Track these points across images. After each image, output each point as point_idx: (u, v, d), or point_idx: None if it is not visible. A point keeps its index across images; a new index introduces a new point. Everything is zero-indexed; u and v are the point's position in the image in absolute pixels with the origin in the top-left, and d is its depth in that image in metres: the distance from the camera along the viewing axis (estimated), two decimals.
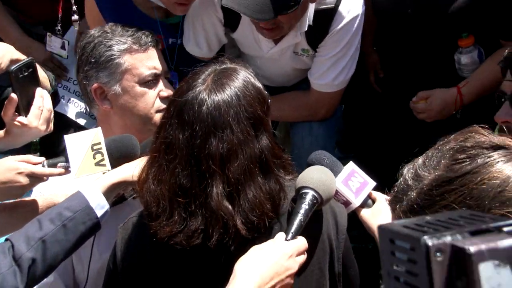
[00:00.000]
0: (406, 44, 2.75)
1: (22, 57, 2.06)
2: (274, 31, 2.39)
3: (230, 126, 1.49)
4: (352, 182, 1.84)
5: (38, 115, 1.98)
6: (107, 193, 1.75)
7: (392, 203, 1.21)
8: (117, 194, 1.85)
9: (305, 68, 2.70)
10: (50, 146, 2.86)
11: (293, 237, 1.51)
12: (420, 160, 1.18)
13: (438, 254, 0.72)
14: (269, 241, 1.50)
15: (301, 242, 1.51)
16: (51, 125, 2.03)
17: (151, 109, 2.13)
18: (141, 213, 1.67)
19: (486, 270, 0.70)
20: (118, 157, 1.87)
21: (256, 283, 1.42)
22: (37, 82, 1.99)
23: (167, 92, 2.15)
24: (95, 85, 2.11)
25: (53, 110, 2.04)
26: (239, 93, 1.52)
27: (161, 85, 2.16)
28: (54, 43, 2.95)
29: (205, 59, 2.46)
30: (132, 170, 1.77)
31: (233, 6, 2.23)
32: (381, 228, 0.81)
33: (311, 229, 1.62)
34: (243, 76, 1.57)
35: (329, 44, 2.53)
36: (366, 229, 1.82)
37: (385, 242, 0.79)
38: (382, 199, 1.85)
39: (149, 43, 2.14)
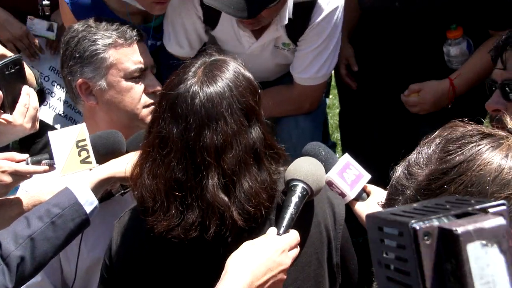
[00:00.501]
0: (394, 37, 2.74)
1: (9, 53, 2.04)
2: (255, 24, 2.38)
3: (224, 117, 1.49)
4: (347, 174, 1.83)
5: (24, 112, 1.96)
6: (96, 189, 1.74)
7: (387, 206, 1.22)
8: (104, 190, 1.82)
9: (287, 63, 2.68)
10: (30, 145, 2.82)
11: (285, 231, 1.50)
12: (410, 158, 1.19)
13: (426, 237, 0.72)
14: (261, 237, 1.49)
15: (293, 237, 1.51)
16: (37, 124, 2.01)
17: (138, 104, 2.10)
18: (136, 207, 1.66)
19: (474, 251, 0.70)
20: (104, 154, 1.84)
21: (248, 279, 1.41)
22: (23, 80, 1.97)
23: (153, 87, 2.13)
24: (80, 80, 2.08)
25: (39, 109, 2.03)
26: (230, 84, 1.53)
27: (147, 79, 2.13)
28: (38, 26, 2.87)
29: (186, 59, 2.45)
30: (120, 165, 1.77)
31: (215, 5, 2.22)
32: (369, 216, 0.81)
33: (307, 220, 1.62)
34: (233, 67, 1.57)
35: (310, 37, 2.52)
36: (360, 222, 1.80)
37: (373, 230, 0.80)
38: (376, 192, 1.84)
39: (134, 37, 2.10)
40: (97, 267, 1.89)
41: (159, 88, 2.13)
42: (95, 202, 1.72)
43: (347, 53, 2.90)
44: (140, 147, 1.63)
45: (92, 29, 2.08)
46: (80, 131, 1.84)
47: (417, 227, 0.72)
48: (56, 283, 2.04)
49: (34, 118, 1.99)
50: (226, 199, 1.49)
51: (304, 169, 1.58)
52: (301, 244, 1.55)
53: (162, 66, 2.52)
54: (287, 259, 1.47)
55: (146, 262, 1.61)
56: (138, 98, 2.10)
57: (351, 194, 1.81)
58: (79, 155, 1.80)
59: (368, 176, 1.86)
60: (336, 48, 2.60)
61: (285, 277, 1.48)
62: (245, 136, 1.52)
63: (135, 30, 2.12)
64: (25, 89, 1.97)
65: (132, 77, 2.09)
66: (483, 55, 2.57)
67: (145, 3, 2.30)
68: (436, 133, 1.19)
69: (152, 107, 2.10)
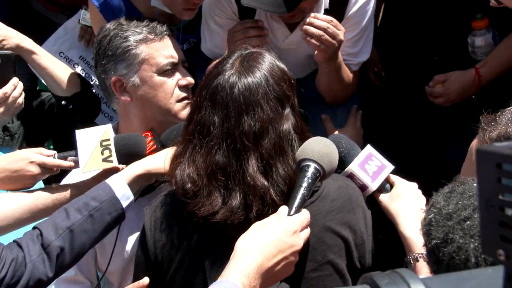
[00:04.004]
0: (418, 29, 2.74)
1: (35, 48, 2.21)
2: (296, 16, 2.37)
3: (260, 105, 1.59)
4: (369, 166, 1.82)
5: (1, 99, 2.09)
6: (132, 184, 1.79)
7: (484, 129, 1.30)
8: (141, 186, 1.88)
9: None
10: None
11: (296, 212, 1.50)
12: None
13: None
14: (271, 217, 1.50)
15: (304, 216, 1.51)
16: (13, 113, 2.17)
17: (171, 99, 2.13)
18: (171, 193, 1.71)
19: None
20: (124, 154, 1.90)
21: (258, 260, 1.39)
22: (11, 74, 2.14)
23: (186, 80, 2.16)
24: (114, 78, 2.11)
25: (21, 103, 2.15)
26: (266, 74, 1.62)
27: (179, 74, 2.16)
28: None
29: None
30: (157, 161, 1.83)
31: (253, 4, 2.25)
32: (483, 151, 0.70)
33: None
34: (268, 59, 1.66)
35: (347, 28, 2.47)
36: (386, 214, 1.80)
37: (488, 167, 0.68)
38: (400, 183, 1.83)
39: (165, 32, 2.13)
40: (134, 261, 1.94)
41: (191, 81, 2.17)
42: (131, 197, 1.77)
43: (374, 58, 2.88)
44: (180, 137, 1.70)
45: (123, 26, 2.11)
46: (106, 131, 1.91)
47: None
48: (91, 278, 2.09)
49: (11, 108, 2.13)
50: (266, 182, 1.56)
51: (317, 149, 1.59)
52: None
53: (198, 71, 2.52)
54: (299, 240, 1.46)
55: (189, 243, 1.65)
56: (171, 93, 2.13)
57: (373, 186, 1.80)
58: (102, 153, 1.87)
59: (391, 167, 1.85)
60: (370, 35, 2.58)
61: (297, 259, 1.47)
62: (280, 123, 1.60)
63: (165, 25, 2.15)
64: (13, 81, 2.13)
65: (164, 71, 2.12)
66: (510, 45, 2.57)
67: (175, 9, 2.33)
68: None
69: (185, 101, 2.15)
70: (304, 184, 1.53)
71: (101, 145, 1.88)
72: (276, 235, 1.43)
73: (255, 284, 1.37)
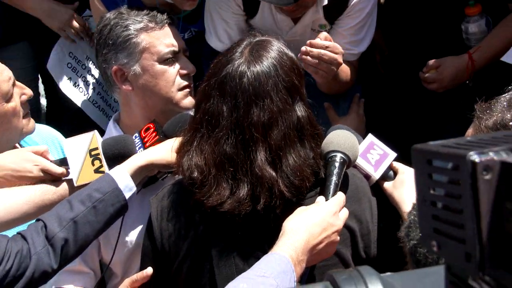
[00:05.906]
0: (412, 16, 2.75)
1: None
2: (297, 11, 2.38)
3: (270, 96, 1.58)
4: (371, 155, 1.84)
5: None
6: (135, 175, 1.79)
7: (479, 118, 1.32)
8: (144, 177, 1.88)
9: None
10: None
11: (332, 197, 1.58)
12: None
13: (485, 172, 0.64)
14: (312, 205, 1.57)
15: (340, 198, 1.59)
16: None
17: (172, 87, 2.13)
18: (178, 182, 1.71)
19: None
20: (115, 159, 1.88)
21: (305, 236, 1.48)
22: None
23: (187, 69, 2.16)
24: (115, 67, 2.11)
25: None
26: (276, 63, 1.61)
27: (180, 62, 2.16)
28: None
29: None
30: (159, 152, 1.83)
31: None
32: (416, 149, 0.73)
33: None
34: (277, 47, 1.65)
35: (349, 16, 2.49)
36: (390, 201, 1.82)
37: (421, 164, 0.72)
38: (404, 170, 1.85)
39: (165, 21, 2.13)
40: (137, 252, 1.93)
41: (192, 70, 2.17)
42: (134, 188, 1.78)
43: (377, 38, 2.84)
44: (187, 125, 1.70)
45: (123, 15, 2.11)
46: (93, 139, 1.90)
47: (477, 160, 0.64)
48: (95, 268, 2.10)
49: None
50: (274, 173, 1.56)
51: (338, 140, 1.66)
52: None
53: (204, 58, 2.53)
54: (338, 221, 1.55)
55: (196, 233, 1.66)
56: (172, 81, 2.13)
57: (375, 175, 1.83)
58: (93, 164, 1.87)
59: (393, 155, 1.86)
60: (373, 24, 2.58)
61: (338, 238, 1.55)
62: (290, 114, 1.60)
63: (165, 13, 2.15)
64: None
65: (165, 60, 2.12)
66: (504, 30, 2.58)
67: None
68: None
69: (187, 90, 2.15)
70: (334, 172, 1.61)
71: (91, 155, 1.88)
72: (320, 215, 1.52)
73: (302, 258, 1.47)
